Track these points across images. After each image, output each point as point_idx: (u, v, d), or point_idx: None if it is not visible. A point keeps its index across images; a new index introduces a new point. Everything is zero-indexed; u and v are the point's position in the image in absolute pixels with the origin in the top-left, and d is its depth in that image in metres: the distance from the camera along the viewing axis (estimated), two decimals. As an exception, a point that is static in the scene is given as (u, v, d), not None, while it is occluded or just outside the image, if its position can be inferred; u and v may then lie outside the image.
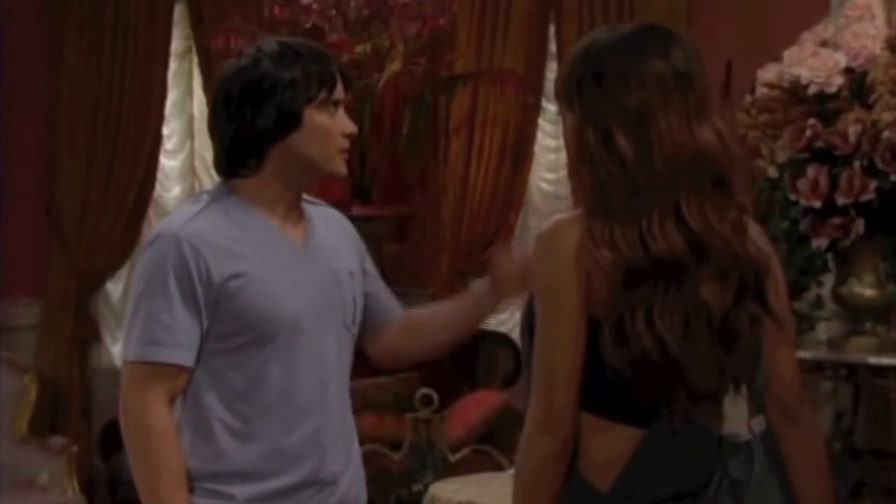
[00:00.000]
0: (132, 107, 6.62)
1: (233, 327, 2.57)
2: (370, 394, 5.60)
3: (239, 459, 2.59)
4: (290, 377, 2.60)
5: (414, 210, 6.58)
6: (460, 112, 6.38)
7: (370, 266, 2.86)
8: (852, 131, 3.70)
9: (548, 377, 2.19)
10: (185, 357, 2.56)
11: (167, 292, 2.54)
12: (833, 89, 3.80)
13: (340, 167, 2.67)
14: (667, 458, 2.19)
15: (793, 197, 3.80)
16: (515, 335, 5.58)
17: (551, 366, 2.19)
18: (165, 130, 6.76)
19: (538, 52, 6.33)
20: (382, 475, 5.20)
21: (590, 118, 2.20)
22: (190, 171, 6.86)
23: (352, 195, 6.04)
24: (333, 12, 5.87)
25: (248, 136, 2.60)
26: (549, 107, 6.17)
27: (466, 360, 6.20)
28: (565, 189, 6.12)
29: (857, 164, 3.71)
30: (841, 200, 3.72)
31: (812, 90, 3.81)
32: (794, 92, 3.88)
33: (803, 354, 3.77)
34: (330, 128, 2.62)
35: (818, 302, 3.95)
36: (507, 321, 6.32)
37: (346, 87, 2.67)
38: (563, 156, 6.22)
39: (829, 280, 3.96)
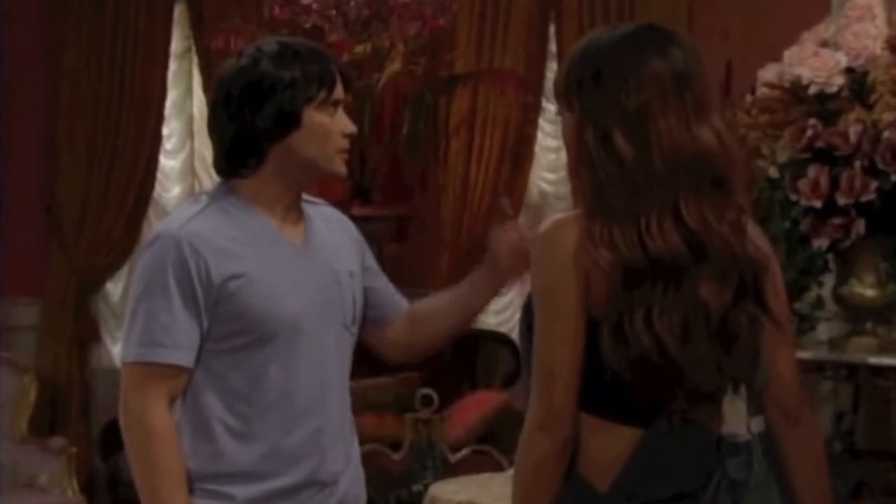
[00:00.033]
0: (132, 107, 6.61)
1: (233, 328, 2.57)
2: (370, 394, 5.60)
3: (239, 460, 2.59)
4: (290, 377, 2.60)
5: (414, 210, 6.58)
6: (460, 112, 6.38)
7: (372, 262, 2.85)
8: (853, 131, 3.70)
9: (547, 377, 2.19)
10: (185, 358, 2.56)
11: (167, 293, 2.54)
12: (834, 89, 3.79)
13: (340, 167, 2.67)
14: (665, 459, 2.18)
15: (793, 197, 3.80)
16: (515, 335, 5.58)
17: (550, 366, 2.19)
18: (165, 130, 6.76)
19: (538, 52, 6.33)
20: (382, 475, 5.20)
21: (589, 118, 2.20)
22: (190, 171, 6.86)
23: (352, 195, 6.04)
24: (333, 12, 5.87)
25: (248, 135, 2.60)
26: (550, 107, 6.17)
27: (466, 361, 6.20)
28: (566, 189, 6.12)
29: (857, 164, 3.71)
30: (841, 200, 3.72)
31: (813, 90, 3.81)
32: (795, 92, 3.88)
33: (804, 355, 3.77)
34: (329, 128, 2.62)
35: (819, 302, 3.94)
36: (507, 321, 6.33)
37: (346, 87, 2.67)
38: (564, 156, 6.19)
39: (829, 280, 3.96)
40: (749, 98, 4.03)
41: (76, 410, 6.60)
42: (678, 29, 2.34)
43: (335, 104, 2.63)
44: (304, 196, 2.74)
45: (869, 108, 3.74)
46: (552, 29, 6.32)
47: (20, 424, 6.09)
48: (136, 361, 2.57)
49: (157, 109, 6.68)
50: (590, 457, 2.21)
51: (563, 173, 6.14)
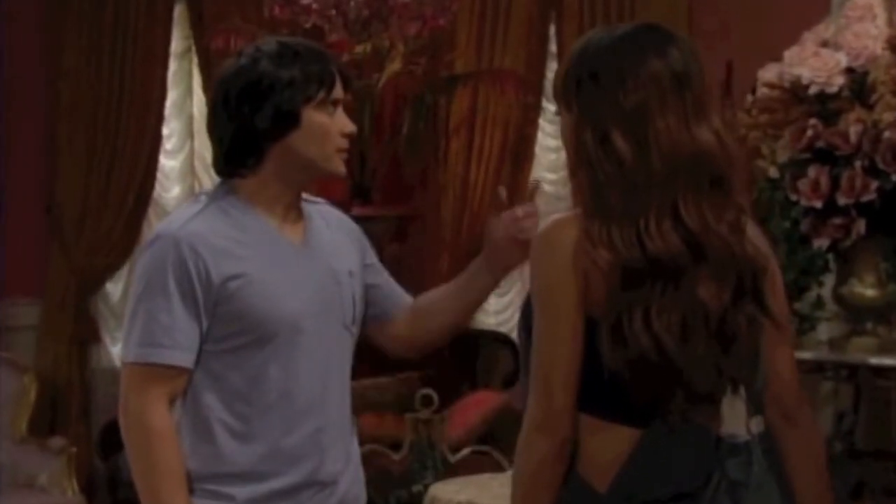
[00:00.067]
0: (132, 107, 6.61)
1: (232, 328, 2.57)
2: (370, 394, 5.60)
3: (239, 460, 2.58)
4: (290, 377, 2.60)
5: (414, 210, 6.58)
6: (460, 112, 6.37)
7: (373, 258, 2.85)
8: (853, 131, 3.70)
9: (546, 378, 2.19)
10: (185, 358, 2.56)
11: (167, 293, 2.54)
12: (834, 89, 3.80)
13: (339, 167, 2.67)
14: (665, 459, 2.18)
15: (794, 197, 3.80)
16: (515, 335, 5.58)
17: (549, 366, 2.19)
18: (165, 130, 6.75)
19: (538, 52, 6.33)
20: (382, 475, 5.19)
21: (587, 118, 2.20)
22: (190, 171, 6.86)
23: (352, 195, 6.03)
24: (333, 12, 5.86)
25: (247, 135, 2.60)
26: (550, 107, 6.16)
27: (467, 361, 6.20)
28: (566, 189, 6.11)
29: (858, 164, 3.71)
30: (842, 200, 3.72)
31: (813, 90, 3.81)
32: (795, 92, 3.88)
33: (804, 355, 3.78)
34: (329, 127, 2.62)
35: (819, 302, 3.94)
36: (507, 321, 6.32)
37: (346, 87, 2.67)
38: (564, 156, 6.20)
39: (829, 280, 3.96)
40: (749, 98, 4.03)
41: (76, 410, 6.60)
42: (678, 29, 2.34)
43: (334, 104, 2.63)
44: (304, 195, 2.73)
45: (869, 108, 3.74)
46: (552, 29, 6.32)
47: (20, 424, 6.08)
48: (135, 362, 2.57)
49: (157, 109, 6.67)
50: (589, 457, 2.21)
51: (564, 173, 6.13)
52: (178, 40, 6.76)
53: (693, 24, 5.77)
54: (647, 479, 2.18)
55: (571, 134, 2.24)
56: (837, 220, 3.76)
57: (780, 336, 2.30)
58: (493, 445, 5.30)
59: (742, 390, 2.25)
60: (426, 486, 4.87)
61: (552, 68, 6.17)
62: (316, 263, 2.67)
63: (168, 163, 6.82)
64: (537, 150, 6.42)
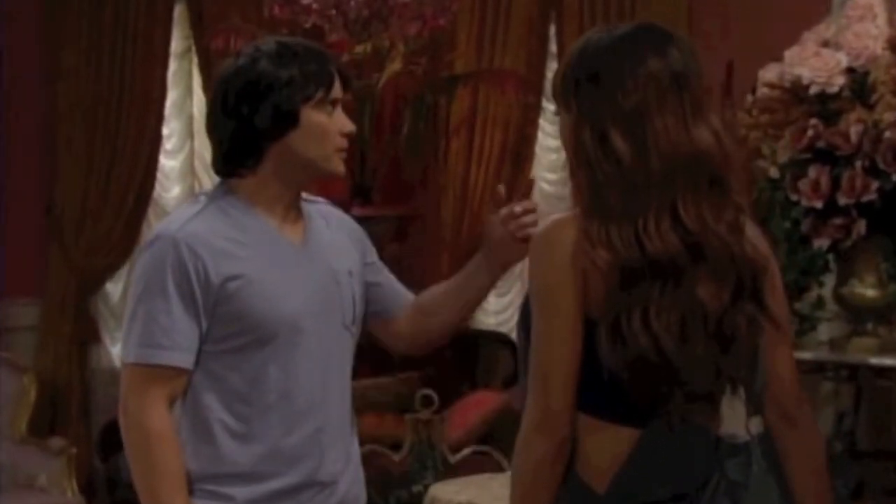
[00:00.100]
0: (132, 107, 6.61)
1: (232, 329, 2.56)
2: (370, 394, 5.60)
3: (239, 460, 2.58)
4: (290, 378, 2.59)
5: (414, 210, 6.58)
6: (461, 112, 6.37)
7: (373, 257, 2.84)
8: (854, 131, 3.70)
9: (544, 378, 2.19)
10: (185, 359, 2.56)
11: (166, 294, 2.54)
12: (834, 89, 3.79)
13: (339, 166, 2.67)
14: (663, 459, 2.18)
15: (794, 197, 3.80)
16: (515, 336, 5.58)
17: (548, 366, 2.18)
18: (165, 130, 6.75)
19: (539, 51, 6.33)
20: (382, 476, 5.19)
21: (586, 118, 2.20)
22: (190, 171, 6.85)
23: (352, 195, 6.03)
24: (333, 12, 5.86)
25: (246, 135, 2.59)
26: (550, 107, 6.16)
27: (467, 361, 6.20)
28: (566, 189, 6.12)
29: (858, 164, 3.70)
30: (842, 201, 3.72)
31: (813, 90, 3.81)
32: (796, 92, 3.87)
33: (805, 355, 3.77)
34: (327, 127, 2.61)
35: (819, 302, 3.94)
36: (507, 321, 6.32)
37: (345, 87, 2.67)
38: (564, 156, 6.22)
39: (830, 280, 3.95)
40: (750, 98, 4.03)
41: (76, 411, 6.60)
42: (678, 29, 2.34)
43: (333, 103, 2.63)
44: (304, 195, 2.73)
45: (870, 108, 3.74)
46: (552, 29, 6.32)
47: (20, 425, 6.08)
48: (135, 363, 2.57)
49: (157, 109, 6.67)
50: (587, 458, 2.21)
51: (564, 173, 6.14)
52: (178, 40, 6.76)
53: (693, 24, 5.77)
54: (646, 479, 2.18)
55: (570, 134, 2.24)
56: (838, 221, 3.76)
57: (779, 336, 2.30)
58: (493, 446, 5.30)
59: (741, 391, 2.25)
60: (426, 487, 4.87)
61: (552, 68, 6.17)
62: (315, 263, 2.67)
63: (168, 163, 6.82)
64: (537, 150, 6.42)
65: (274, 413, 2.59)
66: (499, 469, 4.98)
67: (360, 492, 2.77)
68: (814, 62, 3.81)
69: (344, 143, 2.65)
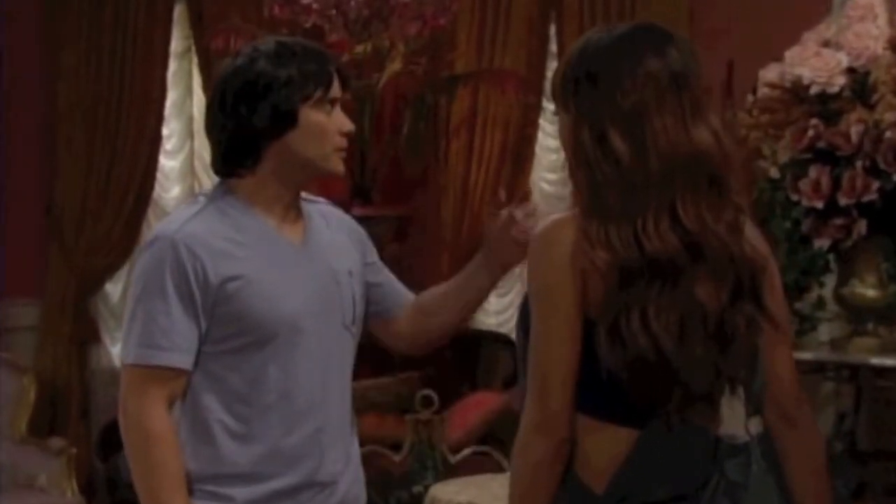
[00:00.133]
0: (132, 107, 6.60)
1: (231, 329, 2.56)
2: (371, 394, 5.60)
3: (238, 461, 2.58)
4: (290, 378, 2.59)
5: (414, 210, 6.57)
6: (461, 112, 6.37)
7: (374, 257, 2.84)
8: (854, 131, 3.70)
9: (543, 378, 2.18)
10: (184, 360, 2.56)
11: (165, 295, 2.53)
12: (835, 89, 3.79)
13: (338, 166, 2.66)
14: (662, 459, 2.18)
15: (795, 197, 3.80)
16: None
17: (547, 367, 2.18)
18: (165, 131, 6.74)
19: (539, 51, 6.32)
20: (382, 476, 5.19)
21: (585, 118, 2.20)
22: (189, 171, 6.84)
23: (352, 195, 6.03)
24: (334, 12, 5.86)
25: (245, 135, 2.59)
26: (550, 107, 6.12)
27: (467, 361, 6.19)
28: (566, 189, 6.11)
29: (859, 164, 3.70)
30: (843, 201, 3.72)
31: (814, 90, 3.80)
32: (796, 92, 3.87)
33: (805, 355, 3.77)
34: (326, 126, 2.61)
35: (820, 303, 3.94)
36: (507, 322, 6.32)
37: (344, 86, 2.66)
38: (564, 156, 6.22)
39: (830, 281, 3.95)
40: (750, 98, 4.03)
41: (76, 411, 6.59)
42: (678, 29, 2.34)
43: (332, 102, 2.62)
44: (304, 195, 2.73)
45: (870, 108, 3.74)
46: (553, 29, 6.32)
47: (19, 425, 6.07)
48: (134, 364, 2.56)
49: (156, 109, 6.66)
50: (586, 458, 2.21)
51: (564, 173, 6.10)
52: (178, 40, 6.75)
53: (694, 24, 5.77)
54: (645, 479, 2.18)
55: (569, 134, 2.24)
56: (838, 221, 3.76)
57: (778, 336, 2.30)
58: (493, 446, 5.30)
59: (740, 391, 2.25)
60: (426, 487, 4.87)
61: (553, 68, 6.13)
62: (315, 263, 2.66)
63: (168, 163, 6.81)
64: (538, 150, 6.41)
65: (274, 413, 2.58)
66: (499, 469, 4.98)
67: (360, 492, 2.76)
68: (814, 62, 3.80)
69: (343, 142, 2.65)
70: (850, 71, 3.80)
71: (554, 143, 6.31)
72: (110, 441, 5.34)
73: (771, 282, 2.28)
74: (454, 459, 5.27)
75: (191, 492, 2.56)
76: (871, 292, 3.90)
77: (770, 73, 3.98)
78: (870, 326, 3.94)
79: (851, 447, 4.19)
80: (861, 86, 3.79)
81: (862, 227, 3.73)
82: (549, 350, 2.18)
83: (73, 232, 6.61)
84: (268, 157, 2.61)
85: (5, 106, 6.57)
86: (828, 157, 3.76)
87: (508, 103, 6.25)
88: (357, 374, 2.79)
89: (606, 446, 2.19)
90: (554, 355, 2.18)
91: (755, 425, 2.28)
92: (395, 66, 6.00)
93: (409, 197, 6.60)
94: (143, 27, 6.60)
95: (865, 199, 3.69)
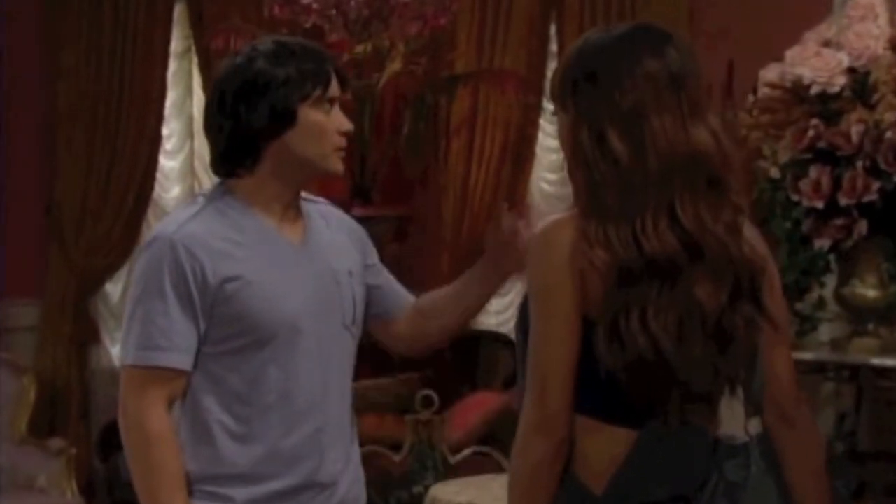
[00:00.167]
0: (132, 107, 6.60)
1: (231, 330, 2.56)
2: (371, 395, 5.59)
3: (238, 461, 2.58)
4: (290, 378, 2.59)
5: (414, 210, 6.57)
6: (461, 112, 6.36)
7: (374, 259, 2.84)
8: (855, 131, 3.69)
9: (542, 379, 2.18)
10: (183, 361, 2.55)
11: (163, 296, 2.53)
12: (835, 89, 3.79)
13: (336, 165, 2.66)
14: (661, 459, 2.18)
15: (795, 197, 3.79)
16: (515, 336, 5.56)
17: (546, 367, 2.18)
18: (165, 131, 6.74)
19: (539, 51, 6.31)
20: (382, 477, 5.18)
21: (584, 118, 2.20)
22: (189, 171, 6.84)
23: (352, 195, 6.02)
24: (334, 12, 5.85)
25: (243, 135, 2.59)
26: (551, 107, 6.09)
27: (467, 362, 6.18)
28: (567, 189, 6.09)
29: (859, 164, 3.70)
30: (843, 201, 3.71)
31: (814, 90, 3.80)
32: (797, 92, 3.87)
33: (805, 355, 3.77)
34: (325, 125, 2.61)
35: (820, 303, 3.94)
36: (507, 322, 6.31)
37: (343, 85, 2.66)
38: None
39: (831, 281, 3.95)
40: (751, 98, 4.02)
41: (75, 411, 6.58)
42: (679, 29, 2.34)
43: (331, 102, 2.62)
44: (304, 194, 2.73)
45: (871, 108, 3.73)
46: (553, 29, 6.31)
47: (19, 425, 6.07)
48: (134, 365, 2.56)
49: (156, 109, 6.65)
50: (585, 459, 2.20)
51: (564, 173, 6.10)
52: (178, 40, 6.75)
53: (694, 24, 5.76)
54: (644, 480, 2.18)
55: (568, 134, 2.24)
56: (839, 221, 3.75)
57: (777, 337, 2.30)
58: (493, 446, 5.29)
59: (740, 391, 2.24)
60: (426, 488, 4.87)
61: (553, 68, 6.14)
62: (315, 263, 2.66)
63: (168, 163, 6.81)
64: (538, 150, 6.40)
65: (274, 414, 2.58)
66: (499, 470, 4.97)
67: (361, 492, 2.76)
68: (815, 62, 3.80)
69: (342, 141, 2.64)
70: (851, 71, 3.80)
71: (554, 143, 6.30)
72: (110, 441, 5.34)
73: (770, 282, 2.27)
74: (454, 460, 5.27)
75: (190, 492, 2.56)
76: (871, 293, 3.90)
77: (770, 73, 3.97)
78: (870, 327, 3.93)
79: (852, 448, 4.18)
80: (862, 86, 3.79)
81: (862, 227, 3.73)
82: (548, 350, 2.18)
83: (73, 232, 6.61)
84: (267, 156, 2.61)
85: (5, 106, 6.56)
86: (828, 157, 3.75)
87: (508, 103, 6.25)
88: (357, 375, 2.79)
89: (605, 447, 2.19)
90: (553, 355, 2.17)
91: (754, 426, 2.28)
92: (395, 66, 5.99)
93: (409, 197, 6.60)
94: (143, 27, 6.59)
95: (866, 199, 3.69)
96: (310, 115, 2.59)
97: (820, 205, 3.75)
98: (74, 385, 6.60)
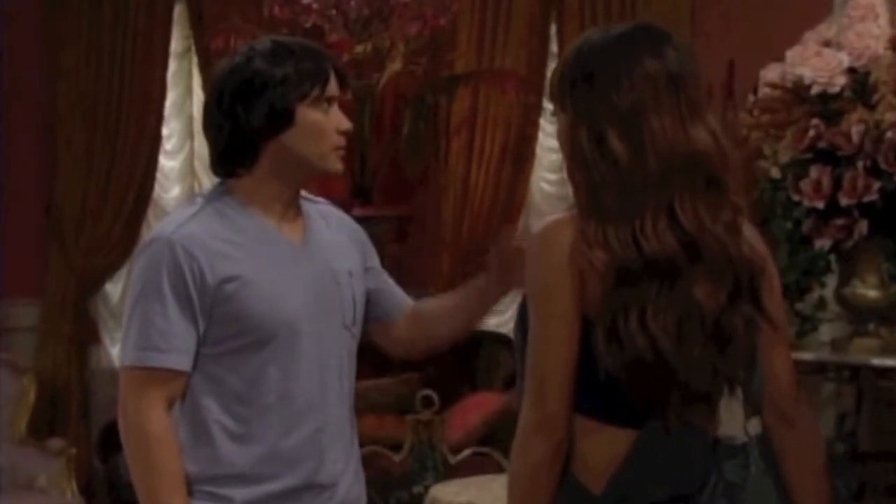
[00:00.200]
0: (132, 107, 6.60)
1: (230, 330, 2.56)
2: (371, 395, 5.59)
3: (237, 462, 2.58)
4: (289, 378, 2.59)
5: (414, 211, 6.57)
6: (461, 112, 6.36)
7: (374, 261, 2.84)
8: (855, 131, 3.69)
9: (541, 379, 2.18)
10: (182, 362, 2.55)
11: (162, 297, 2.53)
12: (836, 89, 3.78)
13: (335, 164, 2.65)
14: (660, 459, 2.18)
15: (795, 197, 3.79)
16: (516, 336, 5.56)
17: (545, 368, 2.18)
18: (165, 131, 6.74)
19: (539, 51, 6.31)
20: (383, 477, 5.18)
21: (582, 119, 2.20)
22: (189, 171, 6.84)
23: (352, 195, 6.02)
24: (334, 12, 5.85)
25: (242, 134, 2.59)
26: (551, 107, 6.14)
27: (467, 362, 6.18)
28: (567, 189, 6.09)
29: (860, 164, 3.69)
30: (844, 201, 3.71)
31: (815, 90, 3.80)
32: (797, 92, 3.86)
33: (806, 356, 3.77)
34: (323, 125, 2.60)
35: (821, 303, 3.93)
36: (507, 322, 6.30)
37: (341, 84, 2.65)
38: (564, 156, 6.22)
39: (831, 281, 3.94)
40: (751, 98, 4.02)
41: (75, 411, 6.58)
42: (680, 29, 2.33)
43: (329, 101, 2.62)
44: (305, 194, 2.72)
45: (871, 108, 3.73)
46: (553, 28, 6.31)
47: (19, 426, 6.07)
48: (133, 366, 2.56)
49: (156, 109, 6.66)
50: (584, 459, 2.20)
51: (565, 174, 6.11)
52: (178, 40, 6.75)
53: (695, 24, 5.76)
54: (643, 480, 2.17)
55: (567, 135, 2.24)
56: (839, 221, 3.75)
57: (776, 337, 2.29)
58: (493, 447, 5.29)
59: (739, 392, 2.24)
60: (426, 488, 4.87)
61: (553, 68, 6.15)
62: (315, 263, 2.66)
63: (168, 163, 6.81)
64: (538, 150, 6.40)
65: (273, 414, 2.58)
66: (499, 470, 4.97)
67: (361, 493, 2.76)
68: (815, 62, 3.80)
69: (341, 140, 2.64)
70: (851, 71, 3.80)
71: (554, 143, 6.23)
72: (110, 441, 5.33)
73: (769, 282, 2.27)
74: (454, 460, 5.27)
75: (190, 493, 2.56)
76: (872, 293, 3.90)
77: (771, 73, 3.97)
78: (871, 327, 3.93)
79: (852, 448, 4.18)
80: (862, 86, 3.79)
81: (863, 227, 3.72)
82: (547, 351, 2.17)
83: (73, 232, 6.61)
84: (265, 156, 2.60)
85: (5, 106, 6.57)
86: (829, 157, 3.75)
87: (509, 103, 6.25)
88: (357, 375, 2.78)
89: (604, 447, 2.19)
90: (552, 356, 2.17)
91: (754, 426, 2.27)
92: (395, 66, 5.99)
93: (409, 197, 6.60)
94: (143, 27, 6.59)
95: (866, 199, 3.68)
96: (308, 114, 2.58)
97: (820, 205, 3.74)
98: (74, 385, 6.60)
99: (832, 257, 3.88)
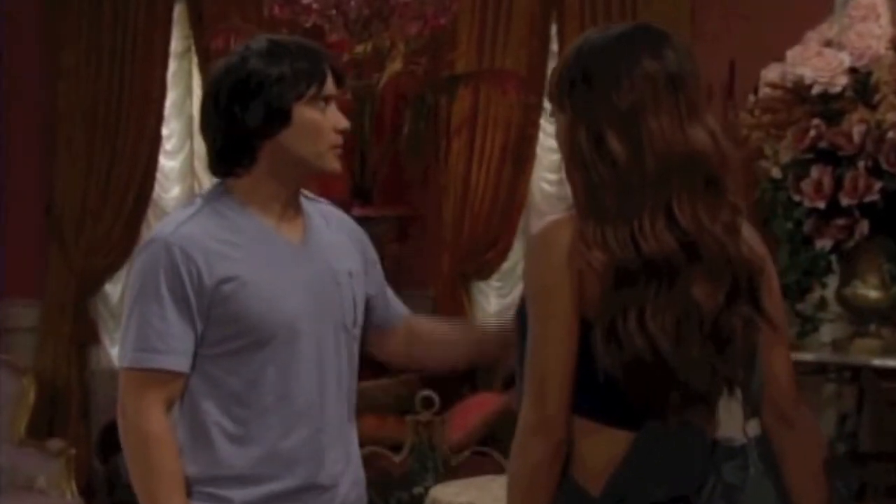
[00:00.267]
0: (131, 107, 6.59)
1: (229, 331, 2.55)
2: (371, 395, 5.58)
3: (236, 463, 2.57)
4: (288, 379, 2.58)
5: (415, 211, 6.56)
6: (461, 112, 6.35)
7: (374, 267, 2.83)
8: (856, 131, 3.69)
9: (540, 380, 2.18)
10: (180, 363, 2.55)
11: (160, 298, 2.53)
12: (837, 89, 3.78)
13: (333, 163, 2.65)
14: (659, 460, 2.17)
15: (796, 198, 3.79)
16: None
17: (544, 368, 2.17)
18: (165, 131, 6.73)
19: (540, 51, 6.30)
20: (383, 478, 5.18)
21: (581, 119, 2.20)
22: (189, 171, 6.83)
23: (352, 196, 6.01)
24: (334, 12, 5.84)
25: (239, 134, 2.58)
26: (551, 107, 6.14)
27: (467, 362, 6.16)
28: (567, 190, 6.08)
29: (861, 164, 3.69)
30: (845, 201, 3.71)
31: (816, 90, 3.80)
32: (798, 92, 3.86)
33: (807, 356, 3.76)
34: (321, 124, 2.60)
35: (822, 303, 3.93)
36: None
37: (339, 83, 2.65)
38: (564, 156, 6.22)
39: (832, 281, 3.94)
40: (752, 98, 4.02)
41: (75, 412, 6.58)
42: (680, 29, 2.33)
43: (326, 100, 2.61)
44: (305, 194, 2.72)
45: (872, 108, 3.73)
46: (554, 28, 6.30)
47: (19, 426, 6.06)
48: (131, 367, 2.56)
49: (156, 109, 6.65)
50: (583, 460, 2.20)
51: (564, 174, 6.11)
52: (178, 40, 6.74)
53: (696, 24, 5.76)
54: (642, 481, 2.17)
55: (565, 135, 2.24)
56: (840, 221, 3.75)
57: (776, 337, 2.29)
58: (493, 447, 5.28)
59: (738, 392, 2.24)
60: (427, 488, 4.87)
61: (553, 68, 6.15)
62: (315, 263, 2.65)
63: (168, 163, 6.80)
64: (538, 150, 6.39)
65: (272, 415, 2.57)
66: (499, 470, 4.96)
67: (361, 494, 2.76)
68: (816, 62, 3.79)
69: (338, 139, 2.63)
70: (852, 71, 3.79)
71: (554, 143, 6.27)
72: (110, 442, 5.32)
73: (768, 283, 2.27)
74: (454, 461, 5.26)
75: (189, 494, 2.56)
76: (873, 293, 3.90)
77: (772, 72, 3.97)
78: (872, 327, 3.93)
79: (853, 449, 4.17)
80: (863, 86, 3.79)
81: (864, 227, 3.72)
82: (546, 351, 2.17)
83: (73, 232, 6.60)
84: (263, 156, 2.60)
85: (5, 106, 6.56)
86: (830, 157, 3.75)
87: (509, 103, 6.24)
88: (357, 376, 2.77)
89: (603, 448, 2.18)
90: (551, 356, 2.17)
91: (753, 427, 2.27)
92: (395, 66, 5.98)
93: (409, 197, 6.59)
94: (143, 27, 6.59)
95: (867, 199, 3.69)
96: (305, 113, 2.58)
97: (821, 205, 3.74)
98: (74, 385, 6.60)
99: (833, 257, 3.88)
